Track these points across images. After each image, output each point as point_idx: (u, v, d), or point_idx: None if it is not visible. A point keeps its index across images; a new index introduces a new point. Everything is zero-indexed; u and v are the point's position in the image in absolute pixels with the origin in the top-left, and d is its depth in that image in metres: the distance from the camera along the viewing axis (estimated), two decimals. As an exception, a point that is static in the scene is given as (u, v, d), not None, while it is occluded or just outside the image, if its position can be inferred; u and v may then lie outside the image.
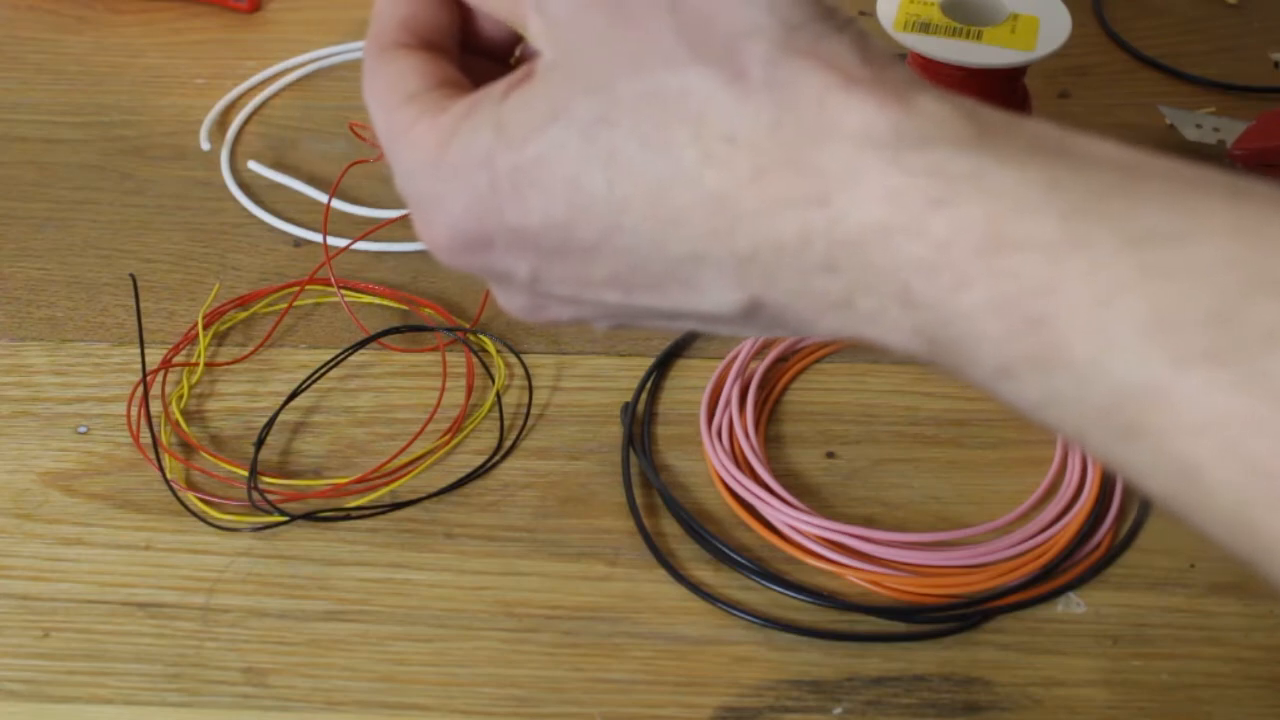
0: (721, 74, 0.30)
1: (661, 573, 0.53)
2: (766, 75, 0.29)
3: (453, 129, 0.32)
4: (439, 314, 0.63)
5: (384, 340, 0.61)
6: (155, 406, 0.59)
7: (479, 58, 0.38)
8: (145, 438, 0.57)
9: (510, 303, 0.35)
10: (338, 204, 0.67)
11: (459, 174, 0.32)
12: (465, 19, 0.37)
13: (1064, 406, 0.28)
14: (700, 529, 0.54)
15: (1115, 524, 0.54)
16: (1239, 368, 0.25)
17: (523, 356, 0.61)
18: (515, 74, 0.33)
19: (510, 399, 0.59)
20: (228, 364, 0.61)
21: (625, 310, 0.33)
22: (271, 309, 0.63)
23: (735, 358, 0.60)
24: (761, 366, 0.59)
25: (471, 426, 0.58)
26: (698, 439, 0.57)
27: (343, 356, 0.60)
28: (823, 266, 0.29)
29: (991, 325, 0.28)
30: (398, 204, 0.68)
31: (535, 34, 0.32)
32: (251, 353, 0.61)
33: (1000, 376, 0.28)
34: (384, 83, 0.35)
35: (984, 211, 0.27)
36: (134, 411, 0.58)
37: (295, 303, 0.63)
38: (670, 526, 0.54)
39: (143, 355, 0.60)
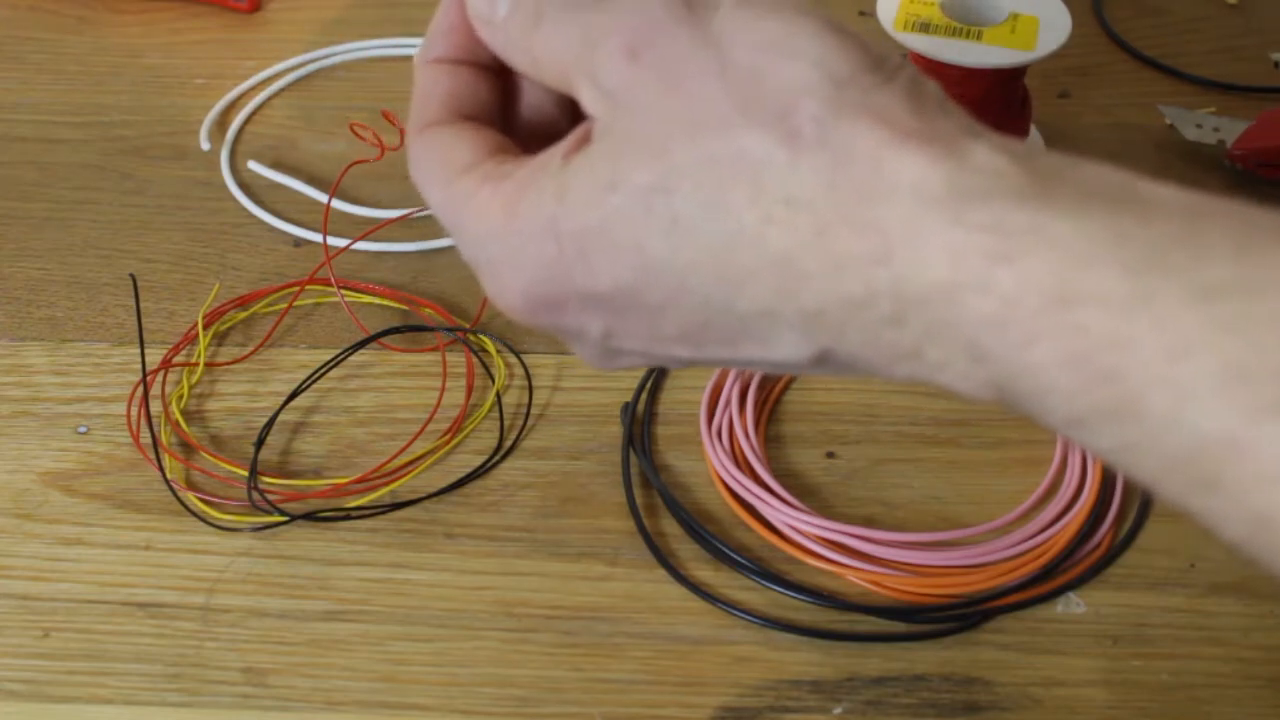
0: (774, 135, 0.30)
1: (661, 573, 0.53)
2: (819, 134, 0.29)
3: (517, 196, 0.33)
4: (439, 314, 0.63)
5: (384, 340, 0.61)
6: (155, 406, 0.59)
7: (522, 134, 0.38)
8: (145, 438, 0.57)
9: (583, 354, 0.36)
10: (338, 204, 0.67)
11: (527, 241, 0.32)
12: (507, 99, 0.37)
13: (1139, 456, 0.28)
14: (700, 529, 0.54)
15: (1115, 524, 0.54)
16: None
17: (523, 356, 0.61)
18: (574, 135, 0.33)
19: (510, 399, 0.59)
20: (228, 364, 0.61)
21: (696, 361, 0.34)
22: (271, 309, 0.63)
23: (735, 358, 0.59)
24: (761, 366, 0.59)
25: (471, 426, 0.58)
26: (698, 439, 0.57)
27: (343, 356, 0.60)
28: (890, 321, 0.30)
29: (1062, 379, 0.28)
30: (398, 204, 0.68)
31: (589, 101, 0.32)
32: (251, 353, 0.61)
33: (1074, 425, 0.29)
34: (435, 158, 0.35)
35: (1048, 266, 0.27)
36: (134, 411, 0.58)
37: (295, 303, 0.63)
38: (670, 526, 0.54)
39: (143, 355, 0.60)
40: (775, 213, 0.30)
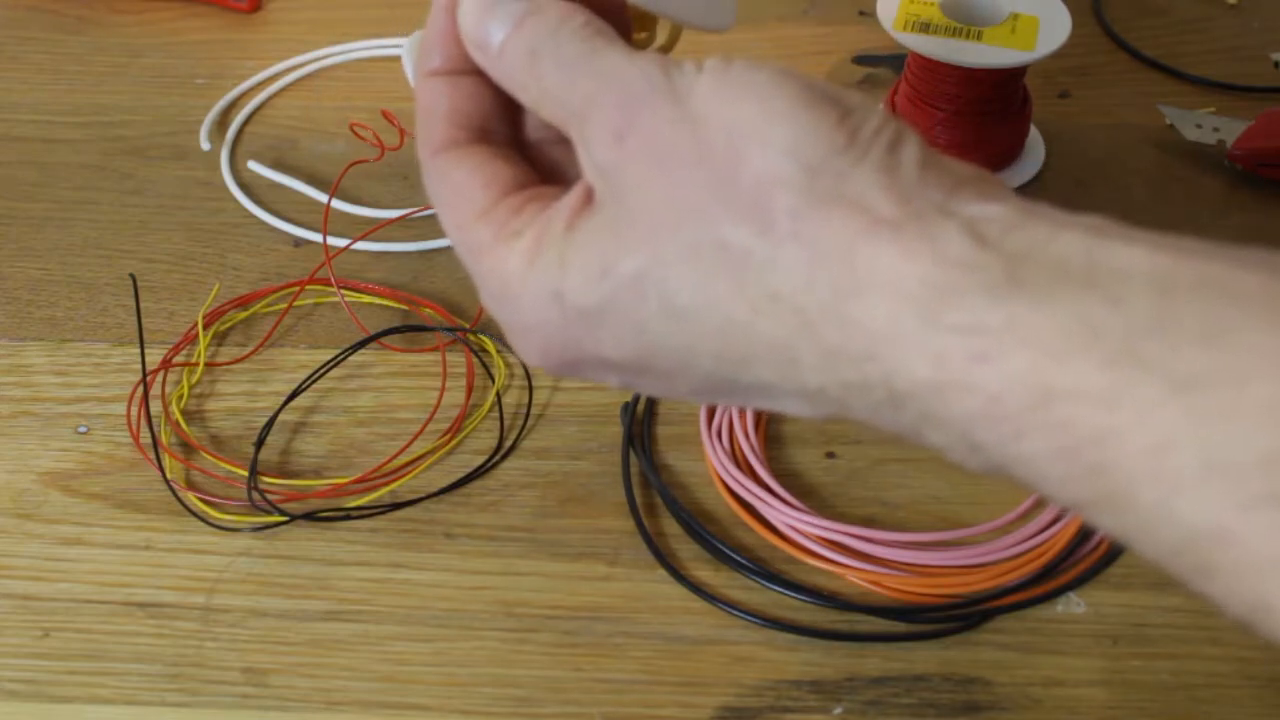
0: (752, 229, 0.30)
1: (661, 573, 0.53)
2: (793, 228, 0.30)
3: (525, 265, 0.33)
4: (439, 314, 0.63)
5: (384, 340, 0.61)
6: (155, 406, 0.59)
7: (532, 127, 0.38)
8: (145, 438, 0.57)
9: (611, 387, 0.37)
10: (338, 204, 0.67)
11: (537, 311, 0.33)
12: (515, 107, 0.37)
13: (1138, 542, 0.28)
14: (700, 529, 0.54)
15: (1115, 524, 0.54)
16: None
17: (523, 356, 0.61)
18: (576, 196, 0.33)
19: (510, 399, 0.59)
20: (228, 364, 0.61)
21: (717, 402, 0.35)
22: (271, 309, 0.63)
23: (735, 358, 0.59)
24: (761, 366, 0.59)
25: (471, 426, 0.58)
26: (698, 439, 0.57)
27: (343, 356, 0.60)
28: (888, 404, 0.30)
29: (1054, 470, 0.28)
30: (398, 204, 0.68)
31: (584, 167, 0.33)
32: (251, 353, 0.61)
33: (1075, 510, 0.29)
34: (450, 193, 0.35)
35: (1026, 365, 0.28)
36: (134, 411, 0.58)
37: (295, 303, 0.63)
38: (670, 526, 0.54)
39: (143, 355, 0.60)
40: (762, 306, 0.30)
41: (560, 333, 0.33)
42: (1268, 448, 0.26)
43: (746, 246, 0.30)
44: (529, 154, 0.37)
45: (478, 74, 0.36)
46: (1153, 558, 0.28)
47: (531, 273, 0.33)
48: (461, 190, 0.35)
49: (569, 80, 0.33)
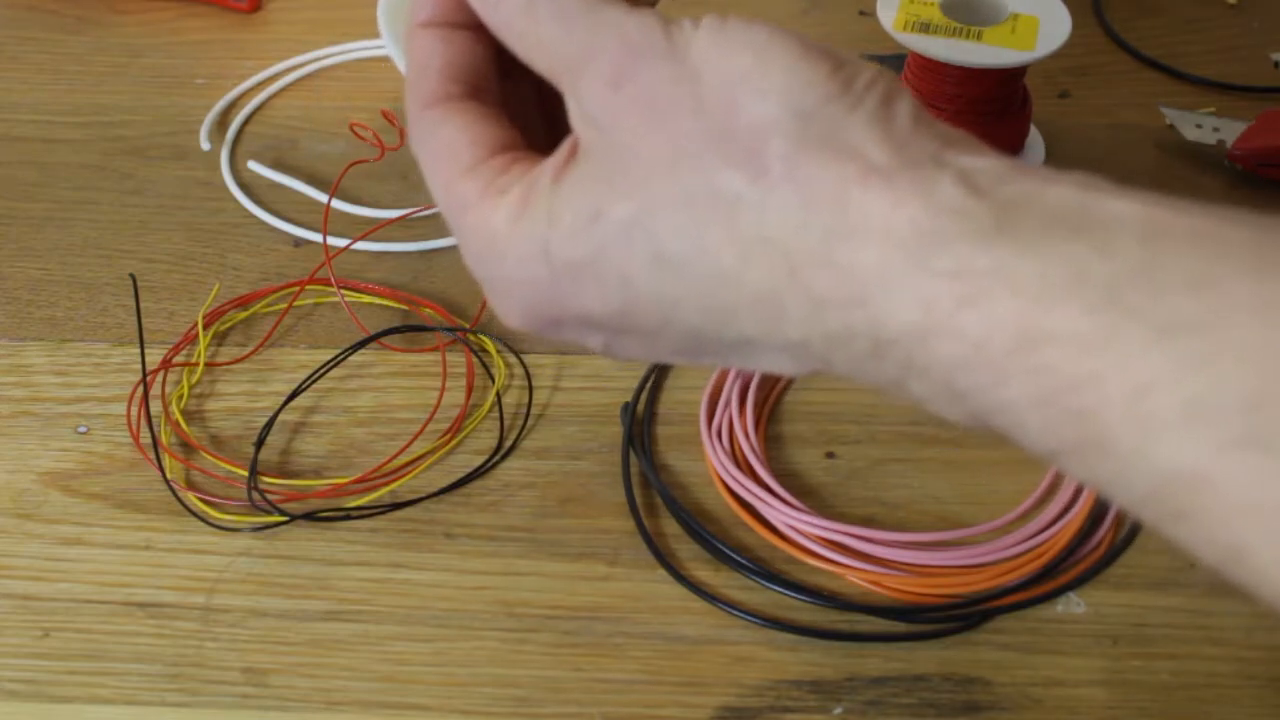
0: (745, 174, 0.30)
1: (661, 573, 0.53)
2: (786, 173, 0.30)
3: (512, 219, 0.33)
4: (439, 314, 0.63)
5: (384, 340, 0.61)
6: (155, 406, 0.59)
7: (522, 82, 0.38)
8: (145, 438, 0.57)
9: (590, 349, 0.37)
10: (338, 204, 0.67)
11: (522, 265, 0.33)
12: (504, 55, 0.37)
13: (1114, 488, 0.28)
14: (700, 529, 0.54)
15: (1115, 524, 0.54)
16: (1276, 453, 0.26)
17: (523, 356, 0.61)
18: (563, 149, 0.33)
19: (510, 399, 0.59)
20: (228, 364, 0.61)
21: (698, 363, 0.35)
22: (271, 309, 0.63)
23: (735, 358, 0.59)
24: (761, 366, 0.59)
25: (471, 426, 0.58)
26: (698, 439, 0.57)
27: (343, 356, 0.60)
28: (871, 355, 0.30)
29: (1034, 416, 0.28)
30: (398, 204, 0.68)
31: (573, 117, 0.33)
32: (251, 353, 0.61)
33: (1052, 458, 0.29)
34: (438, 149, 0.35)
35: (1012, 309, 0.28)
36: (134, 411, 0.58)
37: (295, 303, 0.63)
38: (670, 526, 0.54)
39: (143, 355, 0.60)
40: (752, 252, 0.30)
41: (546, 290, 0.33)
42: (1248, 391, 0.26)
43: (738, 192, 0.30)
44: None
45: (471, 29, 0.36)
46: (1128, 504, 0.28)
47: (518, 228, 0.33)
48: (450, 146, 0.35)
49: (566, 30, 0.33)
